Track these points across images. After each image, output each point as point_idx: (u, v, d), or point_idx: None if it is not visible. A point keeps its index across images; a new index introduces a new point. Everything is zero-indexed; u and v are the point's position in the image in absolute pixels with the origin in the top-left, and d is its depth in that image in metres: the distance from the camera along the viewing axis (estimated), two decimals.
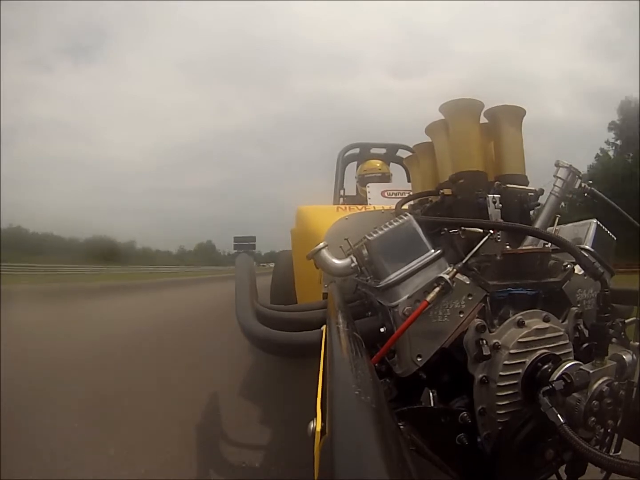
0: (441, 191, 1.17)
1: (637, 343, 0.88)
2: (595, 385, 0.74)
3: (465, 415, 0.82)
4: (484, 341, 0.82)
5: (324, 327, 0.85)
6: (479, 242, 0.91)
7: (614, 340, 0.87)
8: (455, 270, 0.83)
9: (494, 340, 0.83)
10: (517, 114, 1.17)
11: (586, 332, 0.90)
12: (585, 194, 1.10)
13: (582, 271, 0.93)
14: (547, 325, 0.85)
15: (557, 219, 1.11)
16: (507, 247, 0.99)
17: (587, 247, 1.07)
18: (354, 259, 1.01)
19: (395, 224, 0.90)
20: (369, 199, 2.59)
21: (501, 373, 0.80)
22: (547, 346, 0.84)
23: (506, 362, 0.81)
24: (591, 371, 0.75)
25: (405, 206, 1.40)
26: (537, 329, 0.84)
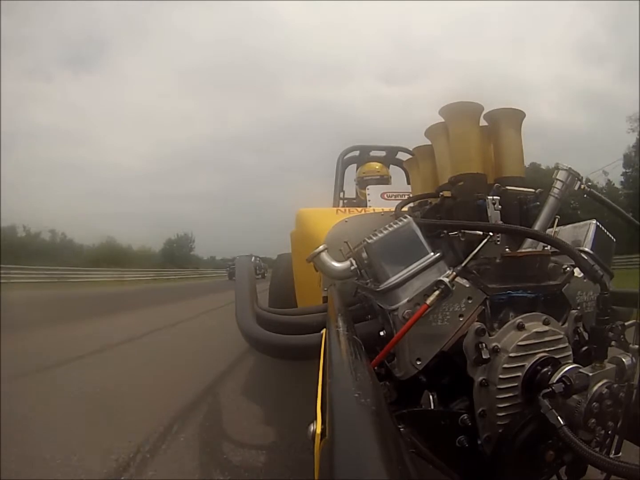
0: (441, 193, 1.17)
1: (637, 346, 0.88)
2: (595, 388, 0.74)
3: (466, 417, 0.82)
4: (484, 344, 0.82)
5: (324, 331, 0.85)
6: (478, 244, 0.91)
7: (613, 343, 0.87)
8: (454, 273, 0.83)
9: (494, 344, 0.83)
10: (516, 116, 1.18)
11: (586, 335, 0.90)
12: (585, 196, 1.10)
13: (582, 273, 0.93)
14: (546, 328, 0.85)
15: (557, 220, 1.11)
16: (507, 249, 1.00)
17: (586, 249, 1.07)
18: (354, 262, 1.01)
19: (395, 226, 0.90)
20: (369, 201, 2.60)
21: (501, 376, 0.81)
22: (547, 349, 0.84)
23: (505, 365, 0.81)
24: (590, 374, 0.75)
25: (405, 208, 1.40)
26: (536, 332, 0.84)
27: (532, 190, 1.12)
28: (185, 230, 46.94)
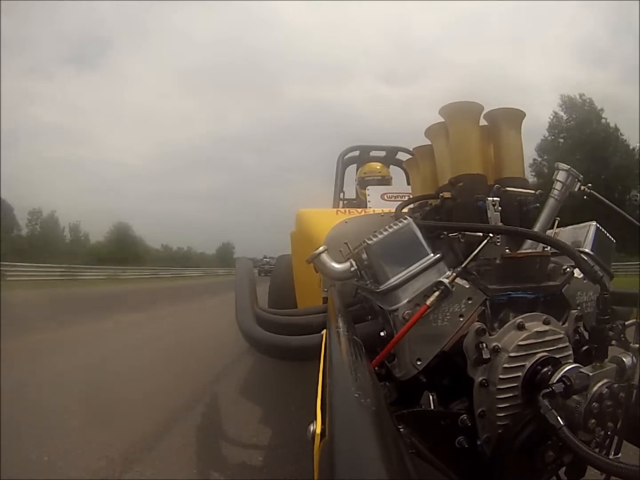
0: (441, 194, 1.17)
1: (637, 345, 0.88)
2: (595, 388, 0.74)
3: (465, 418, 0.82)
4: (484, 344, 0.82)
5: (324, 331, 0.85)
6: (478, 245, 0.91)
7: (613, 342, 0.87)
8: (454, 274, 0.83)
9: (494, 344, 0.83)
10: (516, 116, 1.18)
11: (586, 335, 0.90)
12: (585, 197, 1.10)
13: (582, 274, 0.93)
14: (547, 328, 0.85)
15: (557, 221, 1.11)
16: (507, 250, 0.99)
17: (586, 250, 1.07)
18: (354, 262, 1.00)
19: (395, 227, 0.90)
20: (369, 201, 2.59)
21: (501, 376, 0.81)
22: (547, 349, 0.84)
23: (506, 365, 0.81)
24: (591, 374, 0.75)
25: (405, 209, 1.40)
26: (537, 331, 0.84)
27: (532, 191, 1.12)
28: (228, 239, 60.68)
